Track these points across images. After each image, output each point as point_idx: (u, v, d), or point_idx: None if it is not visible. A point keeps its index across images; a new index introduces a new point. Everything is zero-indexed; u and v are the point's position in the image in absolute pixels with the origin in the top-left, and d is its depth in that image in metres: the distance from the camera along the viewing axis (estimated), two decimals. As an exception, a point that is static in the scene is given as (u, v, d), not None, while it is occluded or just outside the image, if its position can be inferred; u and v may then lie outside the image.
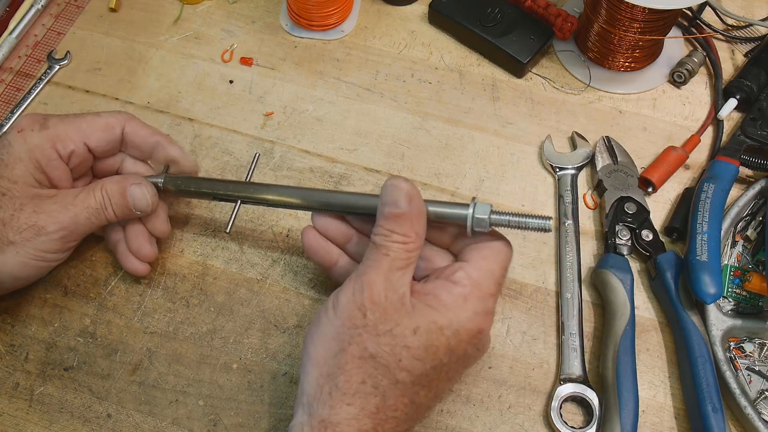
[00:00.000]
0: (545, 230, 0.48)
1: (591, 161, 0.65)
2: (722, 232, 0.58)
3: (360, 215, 0.52)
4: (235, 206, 0.56)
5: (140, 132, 0.57)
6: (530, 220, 0.48)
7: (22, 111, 0.70)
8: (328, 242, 0.53)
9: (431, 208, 0.49)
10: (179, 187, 0.57)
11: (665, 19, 0.65)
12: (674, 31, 0.72)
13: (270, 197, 0.54)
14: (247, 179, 0.58)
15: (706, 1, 0.68)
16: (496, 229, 0.49)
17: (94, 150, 0.56)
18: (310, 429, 0.43)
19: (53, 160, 0.54)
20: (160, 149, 0.57)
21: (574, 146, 0.67)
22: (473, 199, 0.49)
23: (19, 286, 0.55)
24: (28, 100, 0.70)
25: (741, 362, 0.56)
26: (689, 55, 0.70)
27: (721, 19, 0.74)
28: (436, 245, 0.52)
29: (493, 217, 0.48)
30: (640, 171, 0.65)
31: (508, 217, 0.48)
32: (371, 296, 0.44)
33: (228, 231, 0.55)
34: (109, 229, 0.58)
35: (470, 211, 0.48)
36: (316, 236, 0.53)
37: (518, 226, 0.48)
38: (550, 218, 0.48)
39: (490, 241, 0.49)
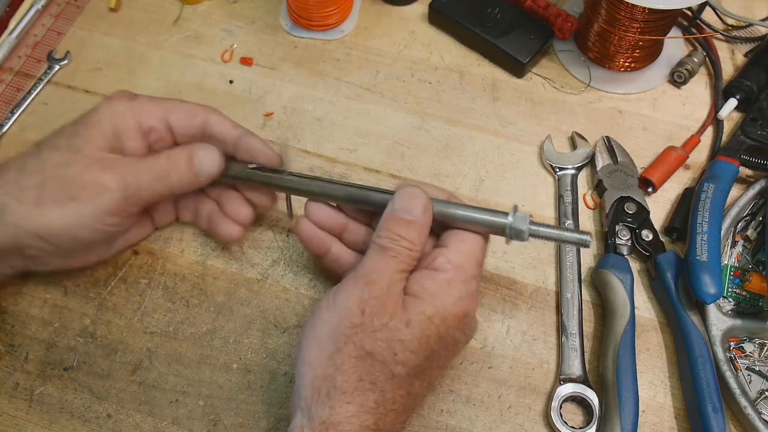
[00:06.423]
0: (584, 246, 0.48)
1: (591, 161, 0.65)
2: (722, 232, 0.58)
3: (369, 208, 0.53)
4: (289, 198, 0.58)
5: (224, 122, 0.57)
6: (569, 234, 0.48)
7: (22, 111, 0.70)
8: (322, 231, 0.55)
9: (468, 213, 0.49)
10: (250, 177, 0.56)
11: (665, 19, 0.65)
12: (674, 31, 0.72)
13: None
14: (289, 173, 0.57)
15: (706, 1, 0.68)
16: (534, 240, 0.49)
17: (174, 130, 0.56)
18: (311, 431, 0.44)
19: (132, 129, 0.54)
20: (242, 142, 0.56)
21: (574, 146, 0.67)
22: (514, 207, 0.49)
23: (76, 251, 0.54)
24: (28, 100, 0.70)
25: (741, 362, 0.56)
26: (689, 55, 0.70)
27: (721, 19, 0.74)
28: None
29: (532, 228, 0.48)
30: (640, 171, 0.65)
31: (546, 230, 0.48)
32: (372, 292, 0.45)
33: (290, 218, 0.59)
34: (200, 204, 0.59)
35: (509, 220, 0.48)
36: (311, 226, 0.55)
37: (556, 239, 0.48)
38: (588, 233, 0.47)
39: None
